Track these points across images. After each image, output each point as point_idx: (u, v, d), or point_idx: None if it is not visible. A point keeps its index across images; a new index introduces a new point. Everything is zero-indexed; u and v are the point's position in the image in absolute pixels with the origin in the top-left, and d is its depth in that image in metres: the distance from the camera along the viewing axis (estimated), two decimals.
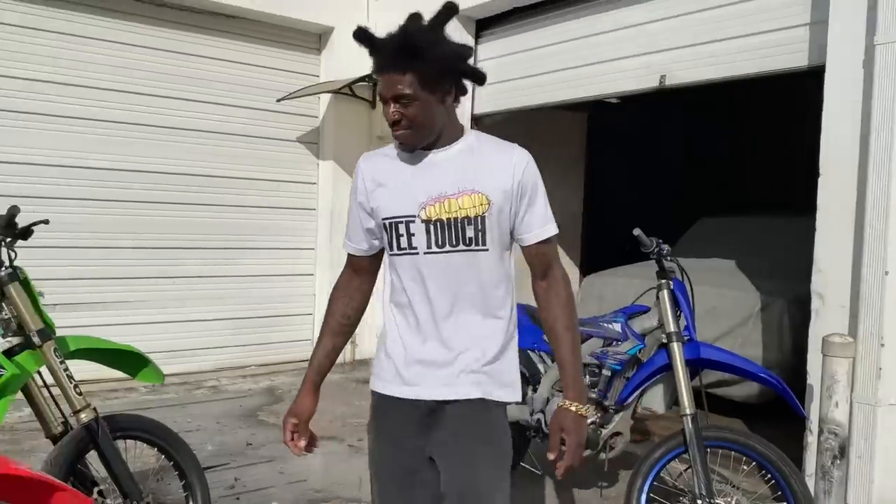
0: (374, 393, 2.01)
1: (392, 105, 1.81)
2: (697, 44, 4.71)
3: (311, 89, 6.71)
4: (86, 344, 2.84)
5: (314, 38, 7.08)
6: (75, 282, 5.85)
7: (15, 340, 2.60)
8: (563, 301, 1.94)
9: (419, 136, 1.85)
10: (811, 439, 3.66)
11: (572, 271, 8.22)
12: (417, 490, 1.93)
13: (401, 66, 1.76)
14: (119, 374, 3.00)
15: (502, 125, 6.38)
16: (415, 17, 1.83)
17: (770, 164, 9.61)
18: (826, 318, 3.69)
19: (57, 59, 5.69)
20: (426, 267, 1.87)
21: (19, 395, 2.60)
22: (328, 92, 6.79)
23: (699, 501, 2.91)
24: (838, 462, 3.33)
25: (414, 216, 1.86)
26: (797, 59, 4.15)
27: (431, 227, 1.85)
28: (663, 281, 3.23)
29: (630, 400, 3.43)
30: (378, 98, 1.87)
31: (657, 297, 3.25)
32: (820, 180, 3.76)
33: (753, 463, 2.97)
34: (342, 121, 7.03)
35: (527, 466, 3.82)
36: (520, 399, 1.99)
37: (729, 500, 2.99)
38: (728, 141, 10.23)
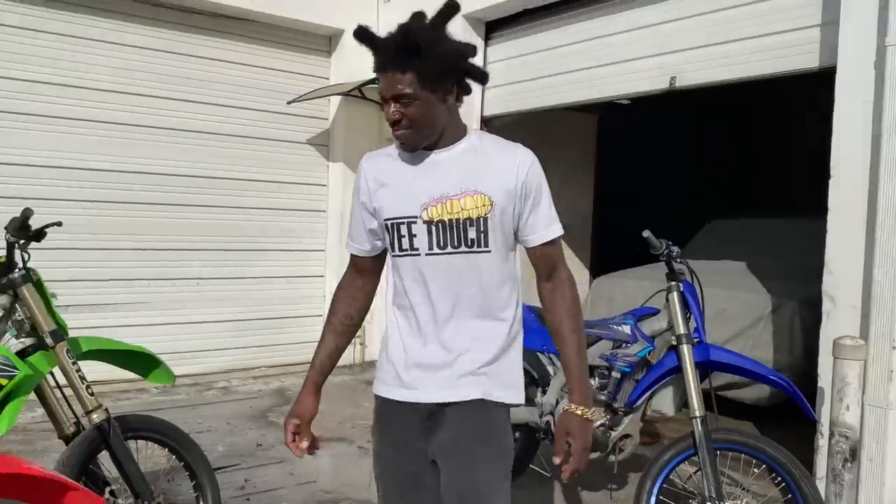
0: (376, 396, 2.00)
1: (392, 105, 1.79)
2: (708, 45, 4.69)
3: (322, 92, 6.74)
4: (98, 345, 2.87)
5: (324, 41, 7.11)
6: (90, 283, 5.89)
7: (28, 341, 2.63)
8: (568, 303, 1.92)
9: (420, 136, 1.82)
10: (822, 442, 3.64)
11: (582, 272, 8.21)
12: (421, 493, 1.93)
13: (401, 65, 1.74)
14: (130, 375, 3.03)
15: (511, 126, 6.38)
16: (417, 16, 1.82)
17: (781, 166, 9.57)
18: (837, 320, 3.67)
19: (56, 60, 5.70)
20: (428, 268, 1.85)
21: (32, 395, 2.62)
22: (338, 94, 6.81)
23: None
24: (849, 465, 3.31)
25: (416, 217, 1.84)
26: (808, 60, 4.13)
27: (433, 228, 1.83)
28: (673, 283, 3.22)
29: (639, 402, 3.43)
30: (379, 98, 1.85)
31: (667, 300, 3.25)
32: (831, 181, 3.74)
33: (763, 466, 2.96)
34: (352, 123, 7.06)
35: (535, 468, 3.82)
36: (522, 401, 1.97)
37: (739, 502, 2.98)
38: (739, 142, 10.20)
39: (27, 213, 2.66)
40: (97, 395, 2.69)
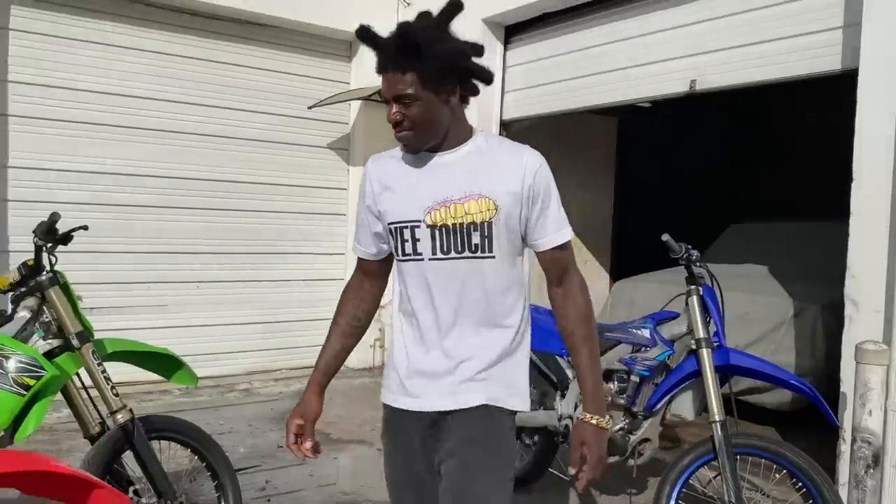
0: (384, 405, 1.98)
1: (394, 106, 1.75)
2: (729, 48, 4.66)
3: (342, 96, 6.79)
4: (122, 346, 2.91)
5: (345, 46, 7.16)
6: (115, 286, 5.98)
7: (55, 343, 2.68)
8: (581, 309, 1.86)
9: (422, 138, 1.78)
10: (844, 448, 3.60)
11: (602, 275, 8.18)
12: (427, 500, 1.91)
13: (401, 66, 1.70)
14: (154, 376, 3.07)
15: (531, 130, 6.39)
16: (422, 16, 1.78)
17: (803, 168, 9.47)
18: (860, 325, 3.62)
19: (77, 66, 5.78)
20: (431, 273, 1.82)
21: (59, 395, 2.68)
22: (358, 99, 6.86)
23: None
24: (872, 471, 3.27)
25: (419, 221, 1.80)
26: (830, 62, 4.10)
27: (437, 233, 1.79)
28: (692, 287, 3.21)
29: (659, 406, 3.41)
30: (381, 98, 1.82)
31: (686, 303, 3.24)
32: (853, 184, 3.70)
33: (784, 471, 2.94)
34: (372, 127, 7.09)
35: (554, 472, 3.81)
36: (526, 408, 1.92)
37: None
38: (761, 144, 10.10)
39: (54, 218, 2.71)
40: (121, 396, 2.74)
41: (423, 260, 1.82)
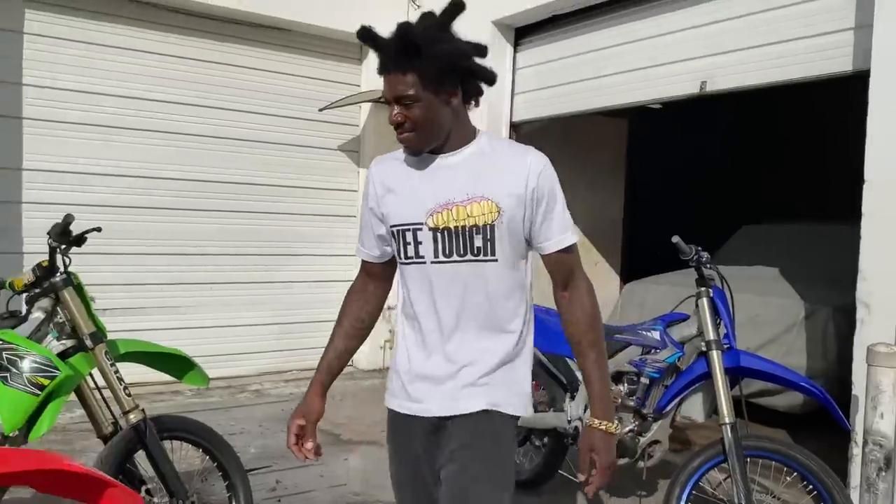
0: (388, 409, 1.97)
1: (395, 107, 1.74)
2: (739, 49, 4.66)
3: (352, 99, 6.81)
4: (134, 347, 2.94)
5: (355, 48, 7.18)
6: (128, 287, 6.02)
7: (69, 343, 2.71)
8: (588, 315, 1.83)
9: (423, 139, 1.77)
10: (856, 451, 3.58)
11: (612, 277, 8.16)
12: (432, 502, 1.90)
13: (401, 66, 1.69)
14: (166, 376, 3.10)
15: (540, 132, 6.39)
16: (424, 17, 1.76)
17: (814, 170, 9.42)
18: (872, 327, 3.61)
19: (93, 69, 5.83)
20: (434, 277, 1.80)
21: (72, 395, 2.70)
22: (369, 101, 6.89)
23: None
24: (883, 474, 3.24)
25: (421, 224, 1.79)
26: (841, 63, 4.08)
27: (439, 236, 1.77)
28: (702, 289, 3.21)
29: (669, 408, 3.40)
30: (382, 99, 1.85)
31: (696, 305, 3.23)
32: (864, 186, 3.68)
33: (795, 474, 2.93)
34: (382, 129, 7.10)
35: (564, 474, 3.81)
36: (527, 413, 1.90)
37: None
38: (771, 146, 10.06)
39: (68, 219, 2.74)
40: (134, 397, 2.76)
41: (425, 263, 1.81)
